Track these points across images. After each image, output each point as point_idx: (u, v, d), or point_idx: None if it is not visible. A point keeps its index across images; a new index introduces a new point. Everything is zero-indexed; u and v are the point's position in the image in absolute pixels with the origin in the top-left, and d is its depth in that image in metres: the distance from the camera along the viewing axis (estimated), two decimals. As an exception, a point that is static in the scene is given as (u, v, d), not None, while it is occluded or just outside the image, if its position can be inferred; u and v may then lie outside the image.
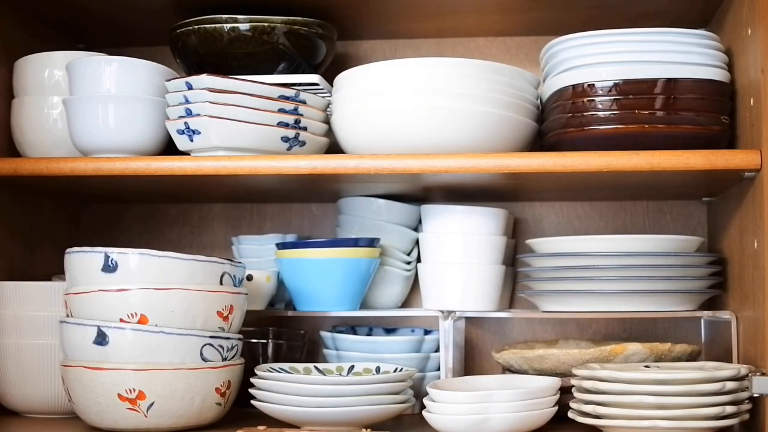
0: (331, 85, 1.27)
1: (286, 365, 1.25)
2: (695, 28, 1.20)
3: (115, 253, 1.10)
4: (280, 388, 1.11)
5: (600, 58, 1.14)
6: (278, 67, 1.28)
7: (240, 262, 1.18)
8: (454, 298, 1.28)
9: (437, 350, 1.32)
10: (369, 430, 1.09)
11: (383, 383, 1.13)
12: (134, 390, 1.07)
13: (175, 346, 1.09)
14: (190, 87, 1.17)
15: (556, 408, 1.12)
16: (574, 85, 1.15)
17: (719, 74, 1.15)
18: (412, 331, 1.40)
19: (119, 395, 1.08)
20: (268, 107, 1.17)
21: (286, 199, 1.49)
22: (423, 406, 1.11)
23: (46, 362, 1.22)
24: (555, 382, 1.13)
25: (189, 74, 1.19)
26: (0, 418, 1.25)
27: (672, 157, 1.09)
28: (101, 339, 1.08)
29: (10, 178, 1.22)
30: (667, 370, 1.10)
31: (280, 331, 1.38)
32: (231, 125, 1.15)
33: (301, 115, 1.20)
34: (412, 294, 1.43)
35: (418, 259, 1.37)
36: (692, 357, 1.24)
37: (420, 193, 1.37)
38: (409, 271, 1.38)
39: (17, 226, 1.36)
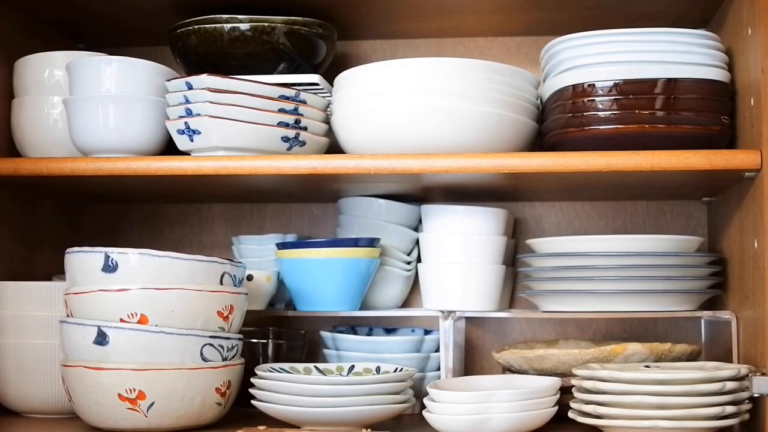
0: (331, 85, 1.27)
1: (286, 365, 1.25)
2: (695, 28, 1.20)
3: (115, 253, 1.10)
4: (280, 388, 1.11)
5: (600, 58, 1.14)
6: (278, 67, 1.28)
7: (240, 262, 1.18)
8: (454, 298, 1.28)
9: (437, 350, 1.32)
10: (369, 430, 1.09)
11: (383, 383, 1.13)
12: (134, 390, 1.07)
13: (175, 346, 1.09)
14: (190, 87, 1.17)
15: (557, 408, 1.12)
16: (574, 85, 1.15)
17: (719, 74, 1.15)
18: (412, 331, 1.40)
19: (119, 395, 1.08)
20: (268, 107, 1.17)
21: (286, 199, 1.49)
22: (423, 406, 1.11)
23: (46, 362, 1.22)
24: (555, 382, 1.13)
25: (189, 74, 1.19)
26: (0, 418, 1.25)
27: (672, 157, 1.09)
28: (101, 339, 1.08)
29: (10, 178, 1.22)
30: (667, 370, 1.10)
31: (280, 331, 1.38)
32: (231, 125, 1.15)
33: (301, 115, 1.20)
34: (412, 294, 1.43)
35: (419, 259, 1.37)
36: (692, 357, 1.24)
37: (420, 193, 1.37)
38: (409, 271, 1.38)
39: (17, 226, 1.36)
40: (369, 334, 1.41)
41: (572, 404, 1.11)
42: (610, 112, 1.12)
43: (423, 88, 1.14)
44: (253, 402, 1.14)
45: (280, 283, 1.34)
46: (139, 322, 1.08)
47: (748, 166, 1.08)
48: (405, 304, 1.44)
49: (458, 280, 1.28)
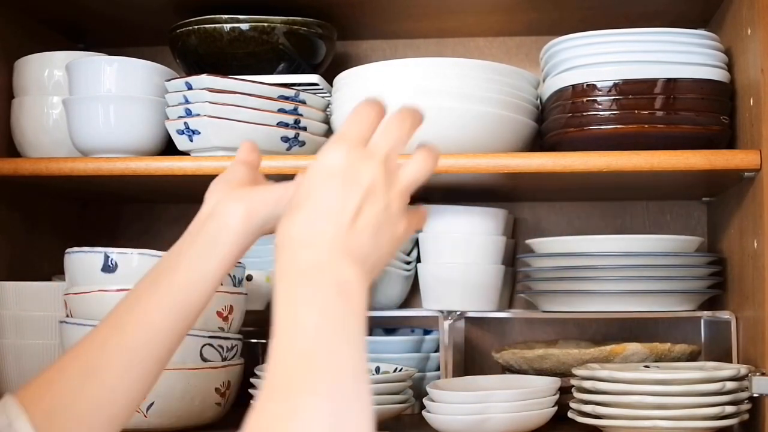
0: (331, 85, 1.27)
1: (285, 365, 1.24)
2: (695, 28, 1.20)
3: (114, 253, 1.10)
4: (280, 388, 1.11)
5: (600, 58, 1.14)
6: (278, 67, 1.28)
7: (240, 262, 1.18)
8: (454, 298, 1.28)
9: (437, 350, 1.32)
10: (369, 430, 1.09)
11: (383, 383, 1.13)
12: (134, 390, 1.07)
13: (175, 346, 1.09)
14: (189, 87, 1.17)
15: (556, 408, 1.12)
16: (573, 85, 1.15)
17: (719, 74, 1.15)
18: (412, 331, 1.40)
19: (119, 395, 1.07)
20: (268, 107, 1.17)
21: (286, 199, 1.48)
22: (423, 406, 1.11)
23: (46, 362, 1.22)
24: (555, 382, 1.13)
25: (189, 74, 1.19)
26: (0, 418, 1.25)
27: (672, 157, 1.09)
28: (101, 339, 1.08)
29: (10, 178, 1.22)
30: (666, 370, 1.10)
31: (280, 331, 1.37)
32: (231, 125, 1.15)
33: (301, 115, 1.20)
34: (411, 294, 1.43)
35: (418, 259, 1.37)
36: (692, 357, 1.24)
37: (419, 193, 1.37)
38: (408, 271, 1.38)
39: (18, 225, 1.36)
40: (368, 334, 1.41)
41: (572, 404, 1.11)
42: (610, 112, 1.12)
43: (422, 89, 1.14)
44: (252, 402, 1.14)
45: (280, 283, 1.33)
46: (138, 322, 1.08)
47: (748, 166, 1.08)
48: (404, 304, 1.44)
49: (458, 280, 1.28)
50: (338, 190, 0.65)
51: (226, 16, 1.24)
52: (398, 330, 1.42)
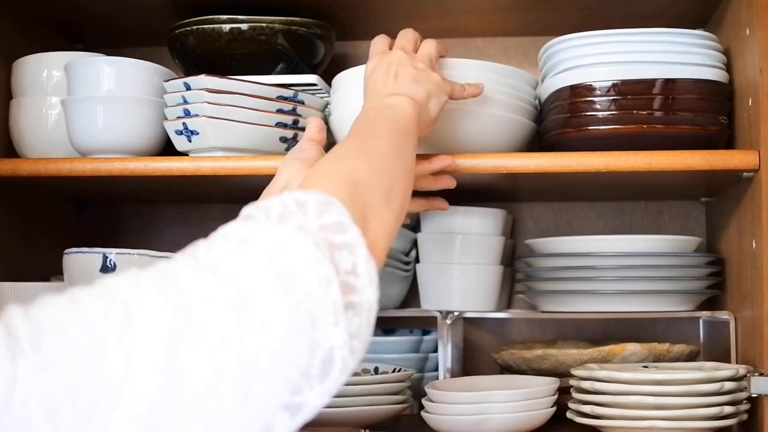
0: (330, 86, 1.27)
1: (284, 366, 1.24)
2: (694, 29, 1.20)
3: (113, 253, 1.10)
4: (279, 388, 1.11)
5: (598, 59, 1.14)
6: (277, 68, 1.28)
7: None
8: (453, 299, 1.28)
9: (436, 350, 1.32)
10: (367, 430, 1.10)
11: (382, 384, 1.13)
12: (133, 390, 1.07)
13: (174, 347, 1.09)
14: (188, 87, 1.17)
15: (555, 408, 1.12)
16: (572, 86, 1.15)
17: (718, 74, 1.15)
18: (411, 331, 1.40)
19: (118, 396, 1.07)
20: (267, 108, 1.17)
21: (284, 199, 1.48)
22: (422, 407, 1.11)
23: (44, 363, 1.22)
24: (553, 383, 1.13)
25: (187, 75, 1.19)
26: None
27: (670, 158, 1.09)
28: (100, 340, 1.08)
29: (8, 178, 1.21)
30: (665, 371, 1.10)
31: (279, 332, 1.37)
32: (229, 126, 1.15)
33: (300, 115, 1.20)
34: (410, 294, 1.43)
35: (417, 260, 1.37)
36: (691, 357, 1.24)
37: (419, 194, 1.37)
38: (407, 271, 1.38)
39: (16, 226, 1.36)
40: (367, 335, 1.41)
41: (570, 404, 1.11)
42: (609, 113, 1.12)
43: (421, 89, 1.14)
44: (251, 402, 1.14)
45: (279, 284, 1.33)
46: (137, 322, 1.08)
47: (746, 166, 1.08)
48: (403, 304, 1.44)
49: (457, 280, 1.28)
50: (379, 74, 0.98)
51: (225, 16, 1.24)
52: (397, 330, 1.42)
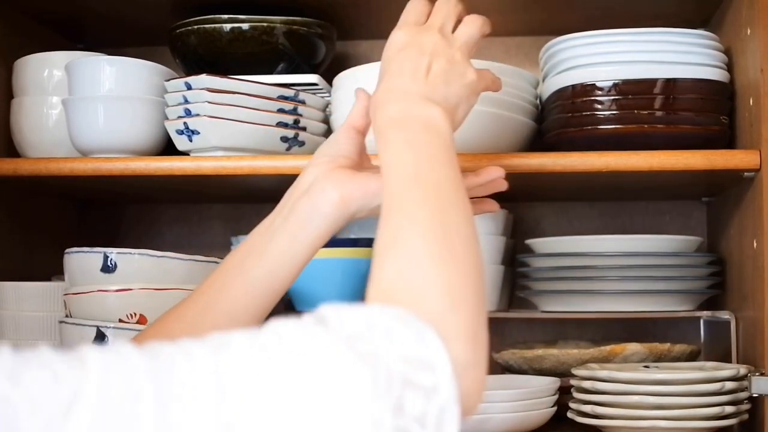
0: (331, 85, 1.27)
1: (285, 365, 1.24)
2: (695, 28, 1.19)
3: (114, 253, 1.10)
4: (280, 388, 1.11)
5: (599, 58, 1.14)
6: (278, 67, 1.28)
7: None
8: (454, 298, 1.28)
9: (437, 350, 1.32)
10: (368, 430, 1.09)
11: (382, 383, 1.13)
12: (133, 390, 1.07)
13: (175, 347, 1.09)
14: (189, 87, 1.17)
15: (555, 408, 1.12)
16: (573, 85, 1.15)
17: (719, 74, 1.15)
18: (412, 331, 1.40)
19: (118, 395, 1.07)
20: (268, 107, 1.17)
21: (285, 199, 1.48)
22: (422, 407, 1.11)
23: (45, 362, 1.22)
24: (554, 383, 1.13)
25: (188, 74, 1.19)
26: None
27: (671, 157, 1.08)
28: (100, 339, 1.08)
29: (9, 178, 1.21)
30: (666, 371, 1.10)
31: (280, 331, 1.37)
32: (230, 125, 1.15)
33: (301, 115, 1.20)
34: (411, 294, 1.43)
35: (418, 259, 1.36)
36: (691, 357, 1.24)
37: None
38: (408, 271, 1.38)
39: (17, 226, 1.36)
40: (368, 334, 1.41)
41: (571, 404, 1.11)
42: (610, 112, 1.12)
43: (422, 88, 1.14)
44: (252, 402, 1.14)
45: (280, 283, 1.33)
46: (138, 322, 1.08)
47: (748, 166, 1.08)
48: (404, 304, 1.43)
49: (457, 280, 1.27)
50: (408, 57, 0.80)
51: (226, 16, 1.24)
52: (398, 330, 1.42)
